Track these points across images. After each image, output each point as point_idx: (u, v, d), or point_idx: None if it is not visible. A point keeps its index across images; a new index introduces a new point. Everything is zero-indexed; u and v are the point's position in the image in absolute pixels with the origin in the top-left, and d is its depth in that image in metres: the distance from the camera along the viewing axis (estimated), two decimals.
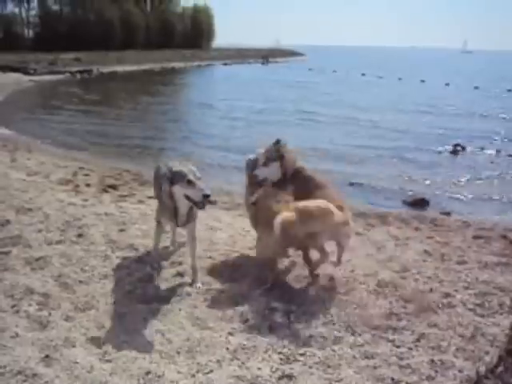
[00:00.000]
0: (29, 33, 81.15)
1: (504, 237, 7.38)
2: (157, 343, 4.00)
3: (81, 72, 44.48)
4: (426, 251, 6.43)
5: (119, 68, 51.24)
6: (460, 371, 3.67)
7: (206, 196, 4.59)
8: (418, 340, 4.12)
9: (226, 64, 71.16)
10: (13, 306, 4.46)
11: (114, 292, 4.86)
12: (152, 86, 36.57)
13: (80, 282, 5.03)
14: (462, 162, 14.26)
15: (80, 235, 6.23)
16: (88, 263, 5.44)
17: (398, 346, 4.03)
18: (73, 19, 77.47)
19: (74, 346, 3.90)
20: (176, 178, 4.67)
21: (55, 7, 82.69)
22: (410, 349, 3.99)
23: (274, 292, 4.92)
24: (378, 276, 5.41)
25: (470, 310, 4.70)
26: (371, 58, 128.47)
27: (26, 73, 39.73)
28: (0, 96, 26.69)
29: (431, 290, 5.10)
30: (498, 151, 15.49)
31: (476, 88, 38.67)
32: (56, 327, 4.17)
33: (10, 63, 41.92)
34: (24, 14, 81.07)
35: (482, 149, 15.67)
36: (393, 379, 3.57)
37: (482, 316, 4.57)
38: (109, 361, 3.73)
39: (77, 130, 18.19)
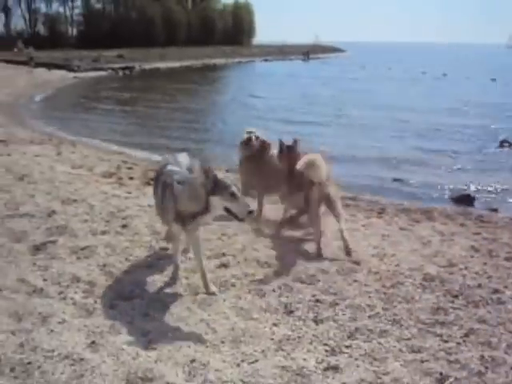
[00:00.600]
0: (73, 31, 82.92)
1: None
2: (201, 332, 4.00)
3: (123, 69, 45.03)
4: (472, 247, 6.27)
5: (161, 65, 51.65)
6: None
7: (250, 212, 4.38)
8: (466, 335, 4.01)
9: (266, 60, 71.12)
10: (60, 293, 4.54)
11: (159, 282, 4.89)
12: (192, 83, 36.70)
13: (125, 271, 5.08)
14: (508, 158, 13.87)
15: (124, 226, 6.30)
16: (132, 253, 5.49)
17: (445, 341, 3.92)
18: (115, 17, 78.88)
19: (119, 333, 3.93)
20: (218, 188, 4.30)
21: (98, 6, 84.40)
22: (459, 344, 3.89)
23: (319, 284, 4.88)
24: (424, 270, 5.30)
25: None
26: (413, 53, 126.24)
27: (71, 70, 40.52)
28: (44, 93, 27.33)
29: (479, 285, 4.97)
30: None
31: None
32: (102, 314, 4.22)
33: (54, 61, 42.95)
34: (68, 13, 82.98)
35: None
36: (441, 374, 3.47)
37: None
38: (154, 348, 3.74)
39: (117, 126, 18.45)
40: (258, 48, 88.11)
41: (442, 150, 14.68)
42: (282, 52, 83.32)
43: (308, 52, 77.38)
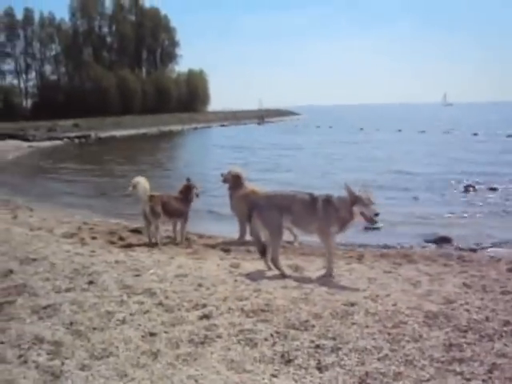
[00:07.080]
0: (27, 103, 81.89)
1: None
2: None
3: (79, 137, 44.86)
4: (464, 284, 5.95)
5: (117, 133, 51.32)
6: None
7: (377, 214, 6.05)
8: (490, 371, 3.56)
9: (223, 125, 71.47)
10: (19, 357, 3.88)
11: (135, 338, 4.28)
12: (143, 152, 35.49)
13: (95, 328, 4.47)
14: (475, 200, 14.04)
15: (91, 282, 5.69)
16: (102, 309, 4.89)
17: (468, 379, 3.46)
18: (70, 88, 78.37)
19: None
20: (357, 199, 6.06)
21: (53, 77, 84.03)
22: (484, 381, 3.43)
23: (314, 330, 4.38)
24: (424, 308, 4.86)
25: None
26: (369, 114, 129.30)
27: (25, 139, 39.83)
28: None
29: (487, 318, 4.57)
30: None
31: None
32: (70, 377, 3.59)
33: (8, 131, 42.05)
34: (22, 85, 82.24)
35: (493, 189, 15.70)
36: None
37: None
38: None
39: (74, 192, 17.76)
40: (213, 114, 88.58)
41: (407, 197, 14.67)
42: (235, 117, 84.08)
43: (263, 116, 78.48)
